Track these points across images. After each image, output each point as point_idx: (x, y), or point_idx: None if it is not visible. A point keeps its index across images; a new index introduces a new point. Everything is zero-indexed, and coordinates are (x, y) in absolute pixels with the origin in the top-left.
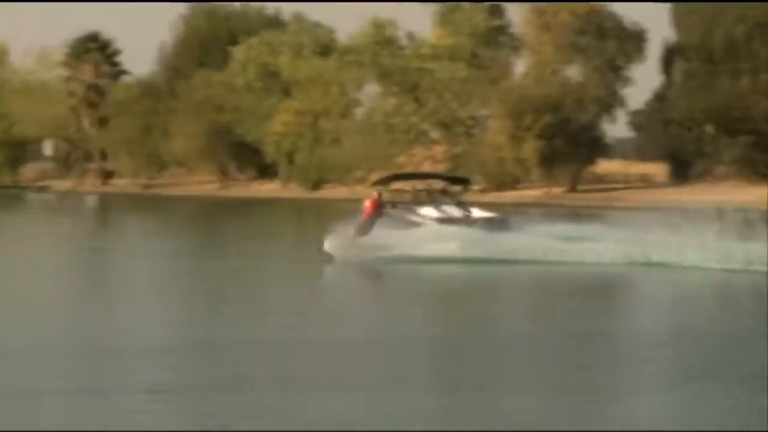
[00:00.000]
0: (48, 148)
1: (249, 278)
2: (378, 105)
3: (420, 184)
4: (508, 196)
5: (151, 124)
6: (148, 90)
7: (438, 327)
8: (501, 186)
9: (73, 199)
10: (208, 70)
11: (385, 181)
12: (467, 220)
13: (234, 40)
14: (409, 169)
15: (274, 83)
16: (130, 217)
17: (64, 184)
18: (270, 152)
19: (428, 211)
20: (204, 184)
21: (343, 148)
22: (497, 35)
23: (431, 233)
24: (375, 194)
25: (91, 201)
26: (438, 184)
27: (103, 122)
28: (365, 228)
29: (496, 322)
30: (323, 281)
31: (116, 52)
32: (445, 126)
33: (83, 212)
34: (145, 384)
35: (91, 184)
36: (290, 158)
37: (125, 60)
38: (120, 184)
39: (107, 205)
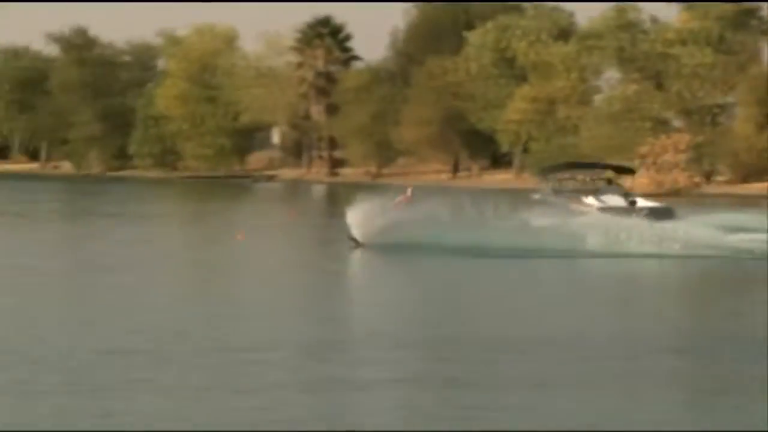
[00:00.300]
0: (276, 136)
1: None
2: (618, 92)
3: (586, 174)
4: (756, 187)
5: (382, 111)
6: (379, 76)
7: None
8: (748, 177)
9: (301, 189)
10: (442, 56)
11: (553, 170)
12: (630, 210)
13: (469, 25)
14: (649, 159)
15: (510, 69)
16: None
17: (291, 173)
18: (504, 141)
19: (591, 201)
20: (435, 174)
21: (580, 136)
22: (747, 18)
23: (592, 222)
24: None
25: (319, 191)
26: (604, 174)
27: (332, 110)
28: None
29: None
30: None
31: (348, 38)
32: (688, 114)
33: (312, 201)
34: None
35: (318, 173)
36: (525, 147)
37: (357, 46)
38: (348, 174)
39: (336, 195)
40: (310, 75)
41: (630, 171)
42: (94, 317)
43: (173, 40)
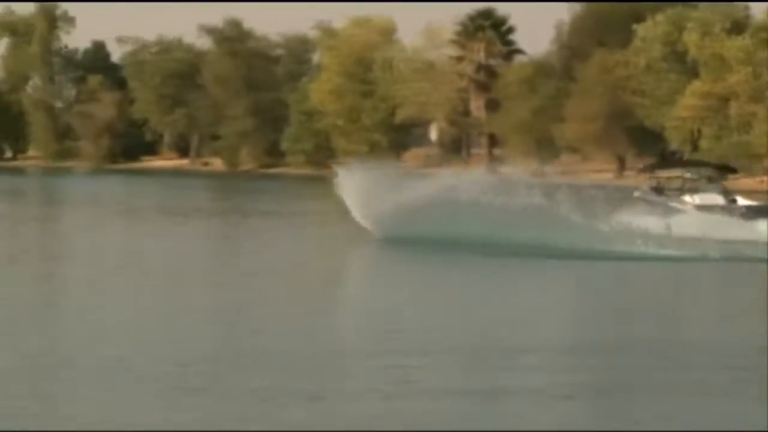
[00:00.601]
0: (433, 132)
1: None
2: None
3: (687, 172)
4: None
5: (545, 107)
6: (542, 71)
7: None
8: None
9: None
10: (608, 50)
11: (654, 167)
12: (728, 208)
13: (638, 17)
14: None
15: (680, 63)
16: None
17: (448, 171)
18: (673, 138)
19: (691, 198)
20: (599, 173)
21: (753, 134)
22: None
23: (689, 220)
24: None
25: None
26: (705, 172)
27: (493, 105)
28: None
29: None
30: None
31: (510, 30)
32: None
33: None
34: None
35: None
36: (695, 145)
37: (520, 39)
38: (507, 172)
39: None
40: (470, 69)
41: (732, 170)
42: (338, 317)
43: (329, 33)
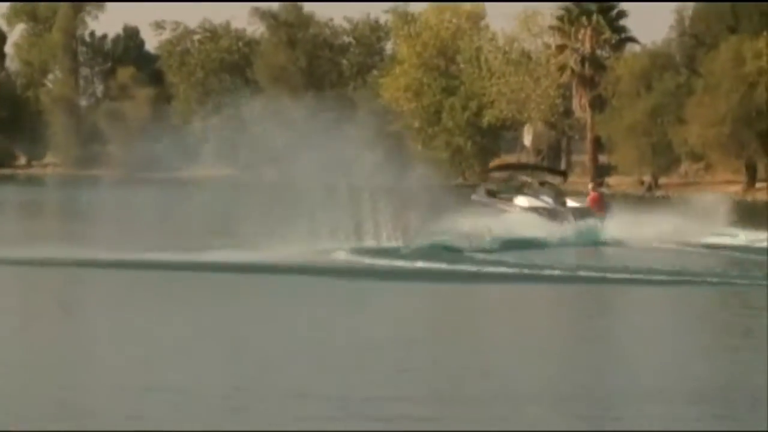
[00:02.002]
0: (528, 136)
1: None
2: None
3: (526, 175)
4: None
5: (663, 106)
6: (659, 63)
7: None
8: None
9: None
10: (741, 38)
11: (494, 170)
12: (554, 210)
13: None
14: None
15: None
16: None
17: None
18: None
19: (520, 201)
20: (725, 185)
21: None
22: None
23: (513, 220)
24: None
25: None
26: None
27: (599, 104)
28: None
29: None
30: None
31: (621, 15)
32: None
33: None
34: None
35: (580, 183)
36: None
37: (632, 25)
38: (616, 184)
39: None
40: (573, 60)
41: (563, 173)
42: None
43: (406, 18)
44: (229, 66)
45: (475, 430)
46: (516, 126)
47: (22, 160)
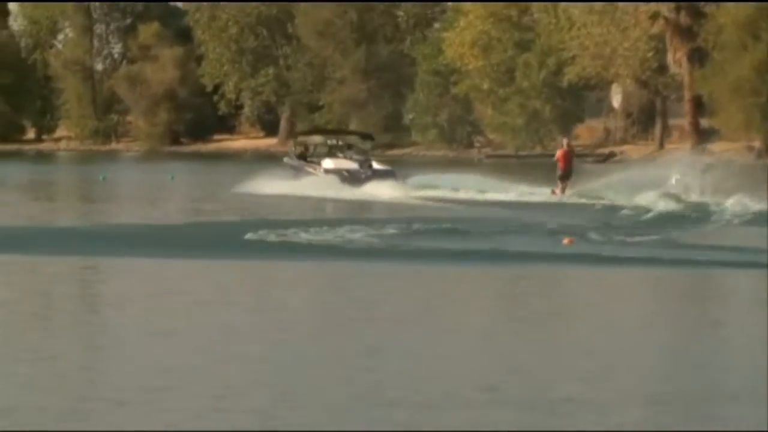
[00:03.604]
0: (616, 97)
1: None
2: None
3: (335, 139)
4: None
5: None
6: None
7: None
8: None
9: None
10: None
11: (305, 134)
12: (356, 172)
13: None
14: None
15: None
16: None
17: (638, 151)
18: None
19: (326, 163)
20: None
21: None
22: None
23: (315, 181)
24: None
25: None
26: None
27: (699, 58)
28: None
29: None
30: None
31: None
32: None
33: None
34: None
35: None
36: None
37: None
38: (720, 150)
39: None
40: (667, 8)
41: (370, 137)
42: None
43: None
44: (267, 20)
45: None
46: (602, 86)
47: (31, 134)
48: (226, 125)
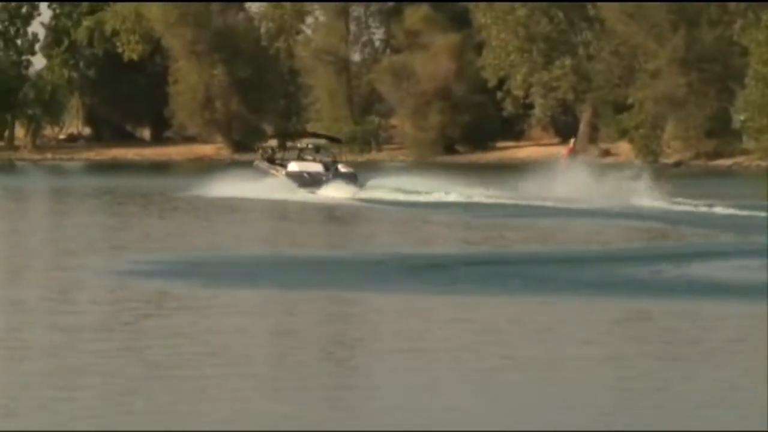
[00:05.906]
0: None
1: None
2: None
3: (304, 142)
4: None
5: None
6: None
7: None
8: None
9: None
10: None
11: (271, 137)
12: (317, 175)
13: None
14: None
15: None
16: None
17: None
18: None
19: (291, 166)
20: None
21: None
22: None
23: (275, 184)
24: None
25: None
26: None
27: None
28: None
29: None
30: None
31: None
32: None
33: None
34: None
35: None
36: None
37: None
38: None
39: None
40: None
41: (337, 140)
42: None
43: None
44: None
45: None
46: None
47: (273, 141)
48: (513, 130)
